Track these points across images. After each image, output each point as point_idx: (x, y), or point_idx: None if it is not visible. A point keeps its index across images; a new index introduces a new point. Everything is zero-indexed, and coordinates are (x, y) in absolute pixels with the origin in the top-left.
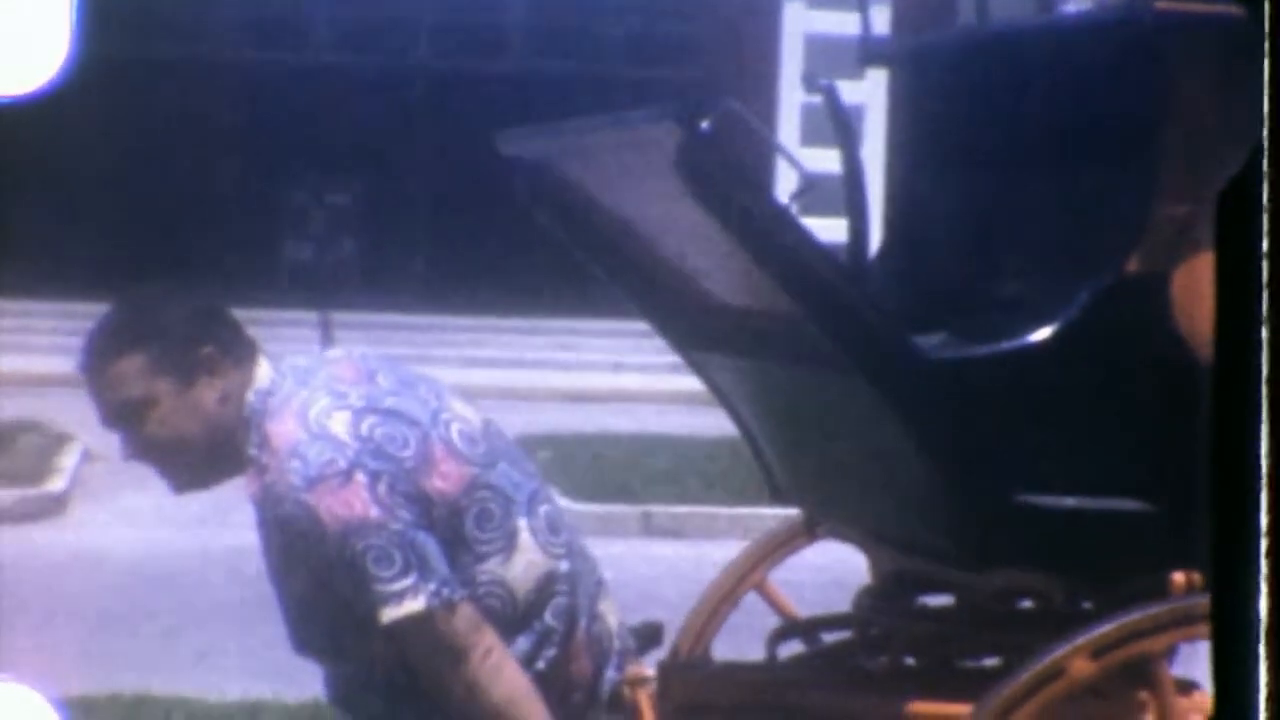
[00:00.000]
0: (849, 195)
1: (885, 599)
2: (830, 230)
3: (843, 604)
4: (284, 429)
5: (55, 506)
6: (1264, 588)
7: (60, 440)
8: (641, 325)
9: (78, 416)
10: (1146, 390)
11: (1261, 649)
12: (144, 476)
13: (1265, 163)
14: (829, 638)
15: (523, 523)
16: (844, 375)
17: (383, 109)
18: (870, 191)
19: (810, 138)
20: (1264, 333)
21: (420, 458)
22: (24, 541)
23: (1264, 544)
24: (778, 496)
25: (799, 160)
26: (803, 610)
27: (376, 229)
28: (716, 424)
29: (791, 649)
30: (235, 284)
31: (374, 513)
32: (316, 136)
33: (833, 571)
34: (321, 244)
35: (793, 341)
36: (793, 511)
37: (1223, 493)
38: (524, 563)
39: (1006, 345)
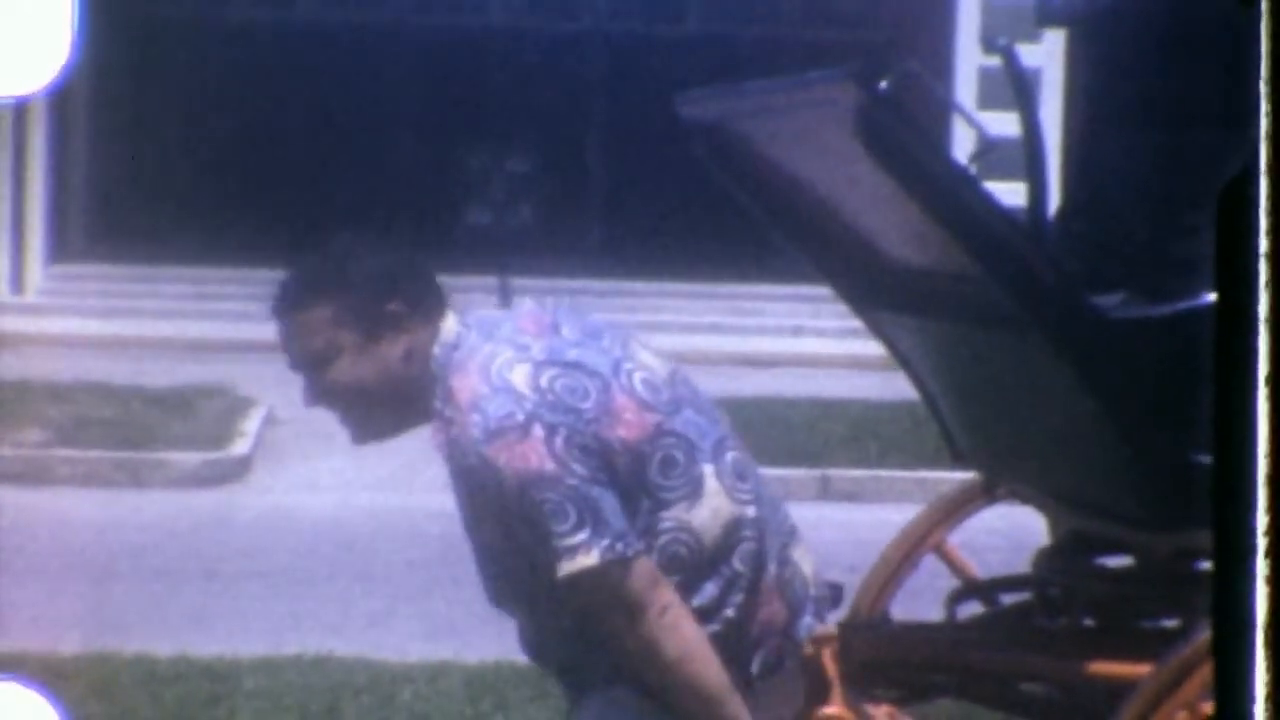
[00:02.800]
0: (1028, 157)
1: (1064, 560)
2: (1009, 193)
3: (1020, 567)
4: (467, 383)
5: (239, 470)
6: (1263, 588)
7: (243, 404)
8: (820, 290)
9: (261, 380)
10: None
11: (1261, 649)
12: (328, 439)
13: (1265, 163)
14: (1007, 599)
15: (708, 469)
16: (1024, 335)
17: (561, 75)
18: (1049, 154)
19: (987, 101)
20: (1264, 333)
21: (601, 408)
22: (208, 505)
23: (1263, 544)
24: (957, 458)
25: (980, 121)
26: (980, 573)
27: (554, 195)
28: (894, 388)
29: (970, 610)
30: (414, 249)
31: (549, 466)
32: (495, 103)
33: (1010, 535)
34: (500, 210)
35: (972, 301)
36: (971, 475)
37: (1222, 492)
38: (710, 508)
39: (1186, 305)
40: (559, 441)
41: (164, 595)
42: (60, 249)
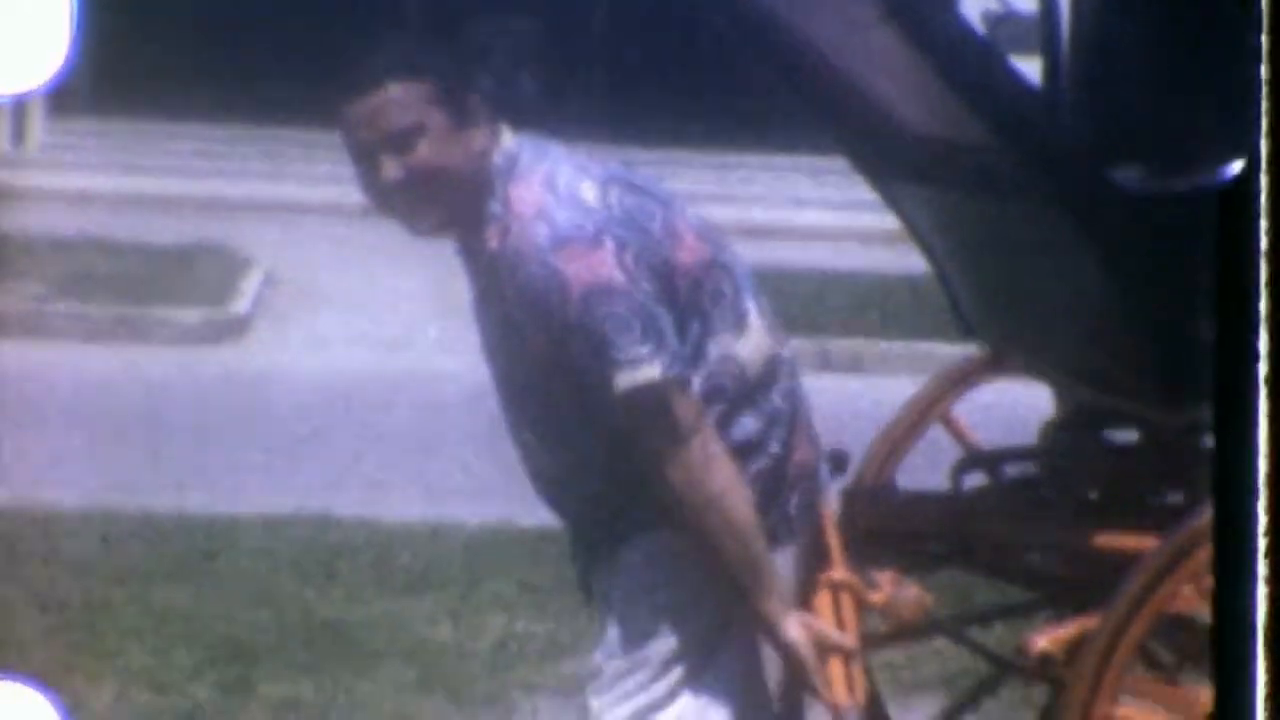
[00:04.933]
0: (1044, 31)
1: (1071, 433)
2: (1026, 67)
3: (1024, 442)
4: (530, 193)
5: (238, 328)
6: (1263, 588)
7: (242, 263)
8: (823, 161)
9: (261, 240)
10: None
11: (1261, 649)
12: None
13: (1265, 162)
14: (1013, 471)
15: (751, 305)
16: (1039, 207)
17: None
18: (1064, 27)
19: None
20: (1263, 333)
21: (666, 230)
22: (207, 362)
23: (1263, 544)
24: (966, 331)
25: None
26: (985, 446)
27: (559, 57)
28: (896, 261)
29: (975, 481)
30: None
31: (619, 279)
32: None
33: (1015, 410)
34: (501, 75)
35: (988, 172)
36: (976, 348)
37: (1222, 492)
38: (753, 343)
39: (1204, 179)
40: (629, 257)
41: (163, 451)
42: (63, 103)
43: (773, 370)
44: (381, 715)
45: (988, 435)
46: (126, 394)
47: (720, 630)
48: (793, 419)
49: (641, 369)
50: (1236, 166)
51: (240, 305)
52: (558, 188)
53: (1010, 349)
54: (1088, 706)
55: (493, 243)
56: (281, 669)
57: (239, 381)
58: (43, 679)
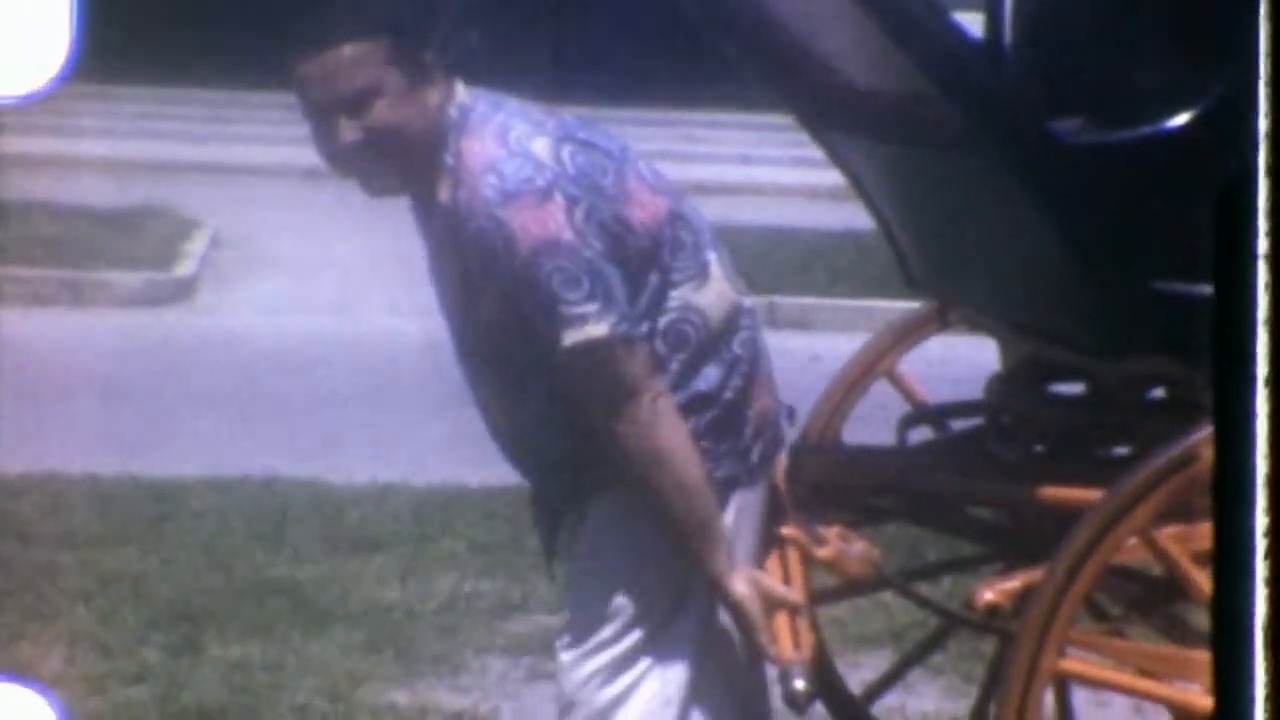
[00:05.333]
0: None
1: (1016, 386)
2: (967, 22)
3: (970, 397)
4: (481, 146)
5: (183, 291)
6: (1263, 588)
7: (188, 225)
8: (770, 118)
9: (206, 202)
10: None
11: (1261, 649)
12: (273, 263)
13: (1265, 163)
14: (959, 425)
15: (711, 255)
16: (982, 160)
17: None
18: None
19: None
20: (1263, 333)
21: (618, 187)
22: (153, 325)
23: (1262, 545)
24: (911, 285)
25: None
26: (932, 401)
27: (503, 14)
28: (843, 217)
29: (921, 436)
30: None
31: (567, 235)
32: None
33: (960, 366)
34: (453, 32)
35: (931, 126)
36: (922, 303)
37: (1221, 493)
38: (715, 292)
39: (1145, 130)
40: (579, 214)
41: (109, 415)
42: None
43: (734, 319)
44: (330, 676)
45: (948, 390)
46: (72, 358)
47: (681, 592)
48: (752, 367)
49: (587, 326)
50: (1178, 118)
51: (186, 268)
52: (509, 142)
53: (955, 302)
54: (1034, 659)
55: (445, 196)
56: (230, 631)
57: (184, 345)
58: None
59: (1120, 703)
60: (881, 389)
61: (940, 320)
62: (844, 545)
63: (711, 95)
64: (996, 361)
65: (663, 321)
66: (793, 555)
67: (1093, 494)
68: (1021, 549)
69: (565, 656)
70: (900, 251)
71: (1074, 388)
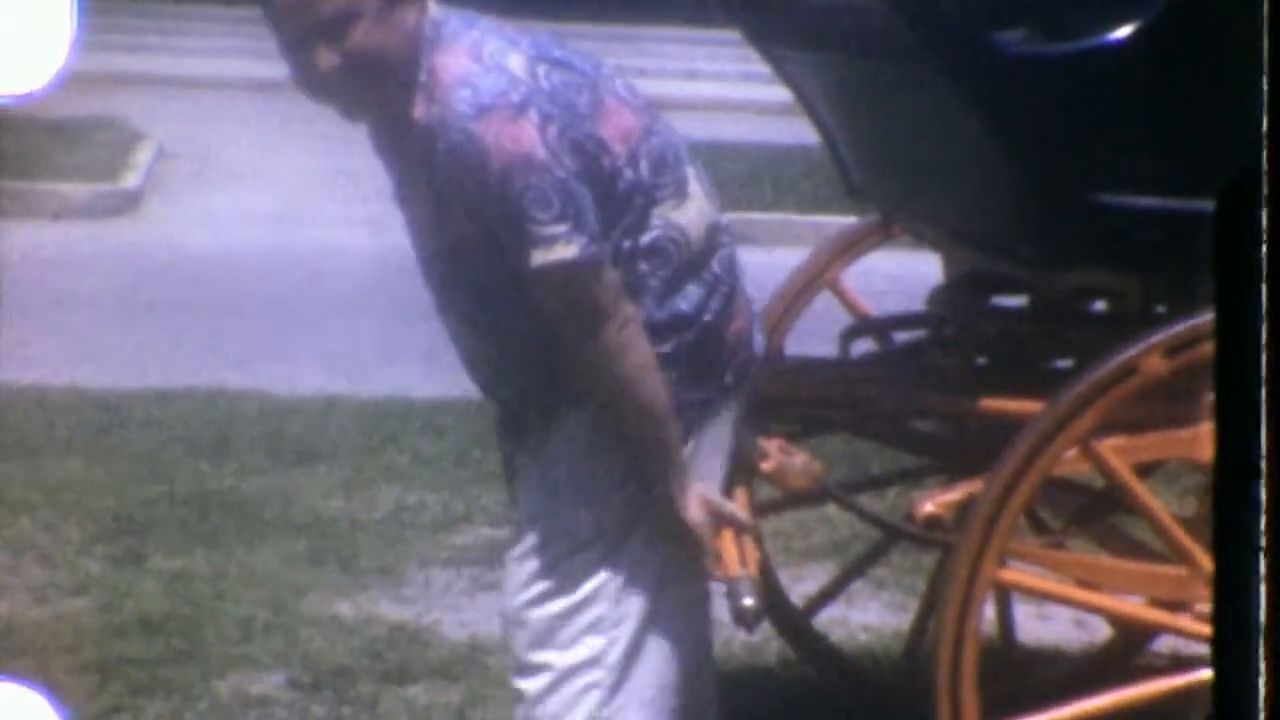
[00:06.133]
0: None
1: (959, 298)
2: None
3: (914, 309)
4: (454, 60)
5: (129, 204)
6: (1263, 588)
7: (134, 138)
8: (717, 33)
9: (153, 114)
10: (1227, 89)
11: (1261, 649)
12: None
13: (1265, 162)
14: (901, 338)
15: (690, 171)
16: (924, 70)
17: None
18: None
19: None
20: (1264, 333)
21: (593, 106)
22: (99, 237)
23: (1262, 544)
24: (854, 197)
25: None
26: (875, 313)
27: None
28: (790, 132)
29: (864, 349)
30: None
31: (540, 153)
32: None
33: (903, 280)
34: None
35: (874, 35)
36: (863, 218)
37: (1222, 492)
38: (695, 209)
39: (1087, 43)
40: (552, 132)
41: (54, 326)
42: None
43: (713, 236)
44: (274, 587)
45: (892, 304)
46: (17, 269)
47: (638, 516)
48: (730, 289)
49: (556, 247)
50: (1121, 31)
51: (132, 180)
52: (483, 56)
53: (898, 214)
54: (974, 570)
55: (418, 113)
56: (173, 541)
57: (130, 257)
58: None
59: (1061, 614)
60: (824, 301)
61: (883, 233)
62: (785, 458)
63: (658, 10)
64: (939, 274)
65: (644, 239)
66: (736, 470)
67: (1034, 405)
68: (964, 461)
69: (516, 569)
70: (844, 164)
71: (1016, 300)
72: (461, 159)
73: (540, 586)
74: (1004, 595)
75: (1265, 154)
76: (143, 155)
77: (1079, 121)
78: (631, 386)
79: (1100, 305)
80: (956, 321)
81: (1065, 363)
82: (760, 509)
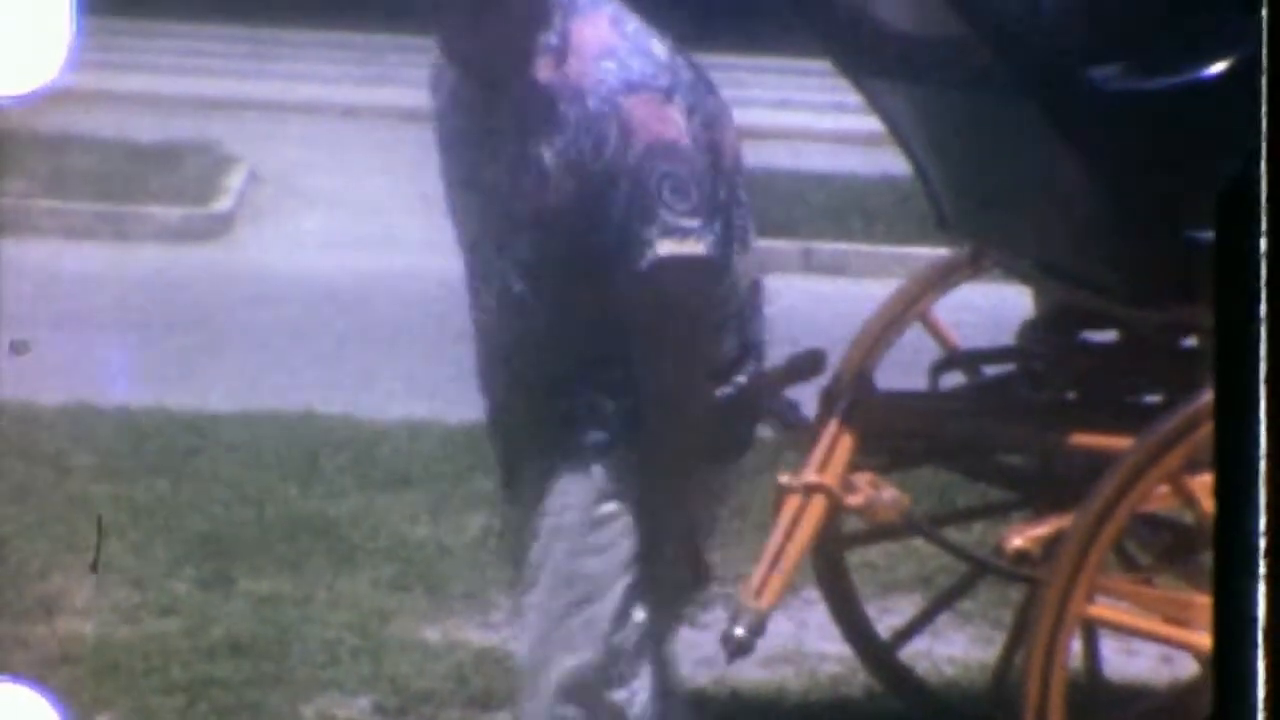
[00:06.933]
0: None
1: (1049, 332)
2: None
3: (1004, 343)
4: (594, 31)
5: (221, 227)
6: (1263, 588)
7: (227, 161)
8: (807, 63)
9: (245, 138)
10: None
11: (1261, 649)
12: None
13: (1265, 162)
14: (991, 371)
15: (752, 224)
16: (1018, 104)
17: None
18: None
19: None
20: (1264, 333)
21: (719, 110)
22: (190, 260)
23: (1262, 544)
24: (945, 230)
25: None
26: (965, 346)
27: None
28: (879, 163)
29: (953, 381)
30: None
31: (685, 142)
32: None
33: (993, 313)
34: None
35: (967, 69)
36: (957, 249)
37: (1222, 493)
38: (748, 261)
39: (1182, 78)
40: (696, 122)
41: (145, 349)
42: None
43: (755, 296)
44: (360, 611)
45: (981, 337)
46: (109, 291)
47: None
48: (762, 353)
49: (689, 241)
50: (1215, 67)
51: (224, 203)
52: (626, 33)
53: (990, 248)
54: (1063, 605)
55: (542, 74)
56: (261, 564)
57: (221, 279)
58: (23, 574)
59: (1148, 650)
60: (915, 333)
61: (974, 266)
62: (875, 492)
63: (747, 39)
64: (1029, 308)
65: (736, 235)
66: (815, 502)
67: (1123, 441)
68: (1051, 495)
69: (532, 617)
70: (935, 196)
71: (1106, 334)
72: (602, 128)
73: (558, 638)
74: (1091, 630)
75: (1265, 154)
76: (234, 179)
77: (1172, 156)
78: (691, 395)
79: (1191, 340)
80: (1046, 355)
81: (1155, 398)
82: (847, 541)
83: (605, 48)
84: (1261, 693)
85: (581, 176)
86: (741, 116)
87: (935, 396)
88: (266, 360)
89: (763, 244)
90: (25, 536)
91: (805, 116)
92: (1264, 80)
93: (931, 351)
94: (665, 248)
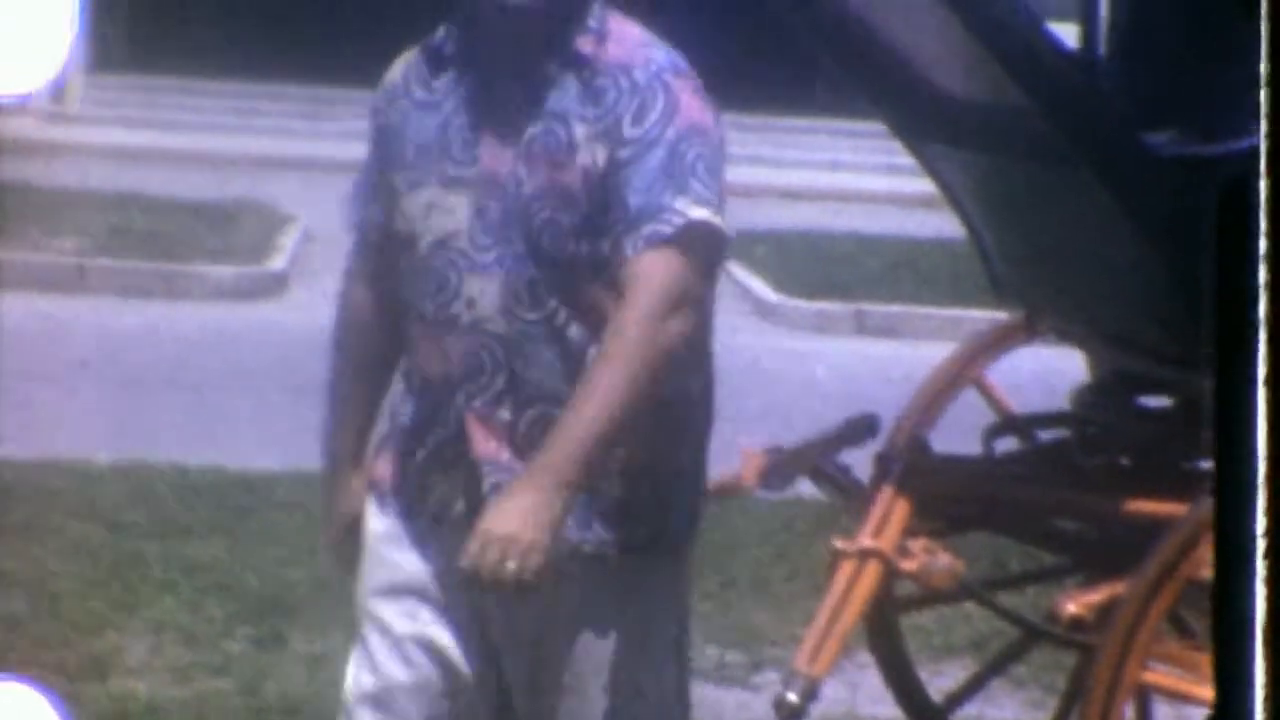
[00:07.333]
0: None
1: (1103, 398)
2: (1062, 33)
3: (1057, 406)
4: (632, 29)
5: (275, 285)
6: (1263, 588)
7: (281, 220)
8: (860, 125)
9: (298, 197)
10: None
11: (1261, 649)
12: None
13: (1265, 163)
14: (1045, 436)
15: None
16: (1073, 170)
17: None
18: None
19: None
20: (1263, 333)
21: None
22: (244, 318)
23: (1262, 544)
24: (999, 294)
25: None
26: (1018, 411)
27: None
28: (932, 225)
29: (1007, 446)
30: None
31: (718, 131)
32: None
33: (1046, 377)
34: None
35: (1022, 134)
36: (1010, 313)
37: (1221, 494)
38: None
39: (1237, 144)
40: (719, 116)
41: (198, 407)
42: (101, 59)
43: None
44: None
45: (1033, 400)
46: (163, 349)
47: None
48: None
49: (714, 214)
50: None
51: (278, 262)
52: (650, 38)
53: (1044, 312)
54: (1117, 671)
55: (586, 47)
56: (315, 624)
57: (275, 337)
58: (76, 631)
59: (1200, 716)
60: (967, 397)
61: (1028, 330)
62: (929, 558)
63: (801, 101)
64: (1083, 372)
65: None
66: (870, 567)
67: (1178, 507)
68: (1105, 561)
69: None
70: (989, 260)
71: (1161, 399)
72: (647, 99)
73: None
74: (1144, 696)
75: (1265, 154)
76: (288, 237)
77: None
78: (654, 375)
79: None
80: (1100, 421)
81: (1210, 464)
82: (901, 605)
83: (645, 39)
84: (1261, 693)
85: (615, 143)
86: (794, 178)
87: (989, 461)
88: (320, 418)
89: (816, 305)
90: (79, 594)
91: (858, 178)
92: (1264, 80)
93: (986, 414)
94: (698, 213)
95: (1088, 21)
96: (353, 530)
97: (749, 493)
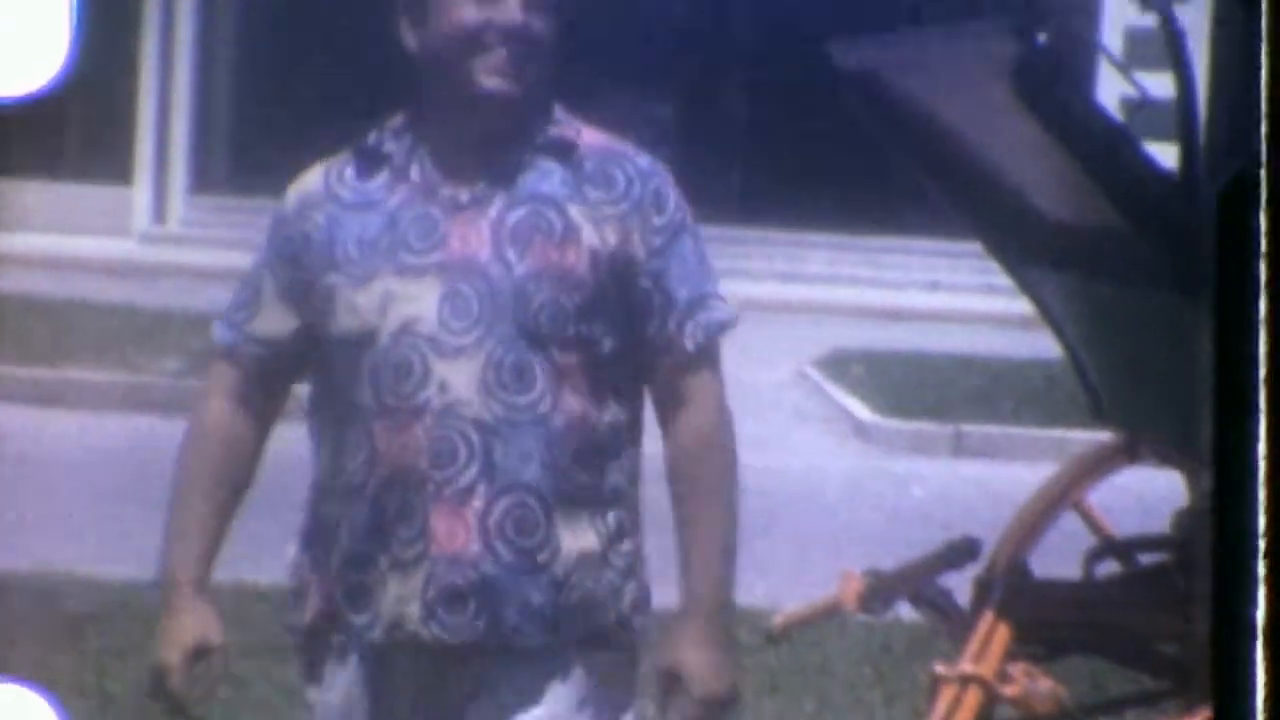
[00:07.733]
0: (1181, 117)
1: (1203, 521)
2: (1161, 155)
3: (1153, 530)
4: (583, 123)
5: None
6: (1263, 588)
7: None
8: (957, 245)
9: None
10: None
11: (1261, 649)
12: None
13: (1265, 163)
14: (1146, 559)
15: None
16: (1174, 293)
17: (701, 15)
18: (1201, 114)
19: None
20: (1263, 333)
21: None
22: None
23: (1262, 544)
24: (1099, 417)
25: (1137, 79)
26: (1117, 533)
27: (693, 139)
28: (1030, 345)
29: (1108, 569)
30: None
31: (697, 229)
32: (633, 44)
33: (1145, 498)
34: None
35: (1124, 258)
36: (1108, 435)
37: (1222, 494)
38: None
39: None
40: None
41: (292, 523)
42: (203, 180)
43: None
44: None
45: (1132, 522)
46: (269, 471)
47: None
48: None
49: (729, 309)
50: None
51: None
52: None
53: (1144, 435)
54: None
55: (569, 135)
56: None
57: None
58: None
59: None
60: (1067, 520)
61: (1129, 453)
62: (1030, 683)
63: (899, 221)
64: (1183, 495)
65: None
66: (971, 693)
67: None
68: (1204, 685)
69: None
70: (1088, 382)
71: None
72: (661, 185)
73: None
74: None
75: (1265, 154)
76: None
77: None
78: (734, 455)
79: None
80: (1201, 544)
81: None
82: None
83: (610, 138)
84: (1261, 693)
85: (643, 229)
86: (892, 298)
87: (1090, 585)
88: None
89: (913, 426)
90: (175, 715)
91: (956, 297)
92: (1264, 80)
93: (1086, 538)
94: (725, 312)
95: (1187, 142)
96: (190, 659)
97: (848, 615)
